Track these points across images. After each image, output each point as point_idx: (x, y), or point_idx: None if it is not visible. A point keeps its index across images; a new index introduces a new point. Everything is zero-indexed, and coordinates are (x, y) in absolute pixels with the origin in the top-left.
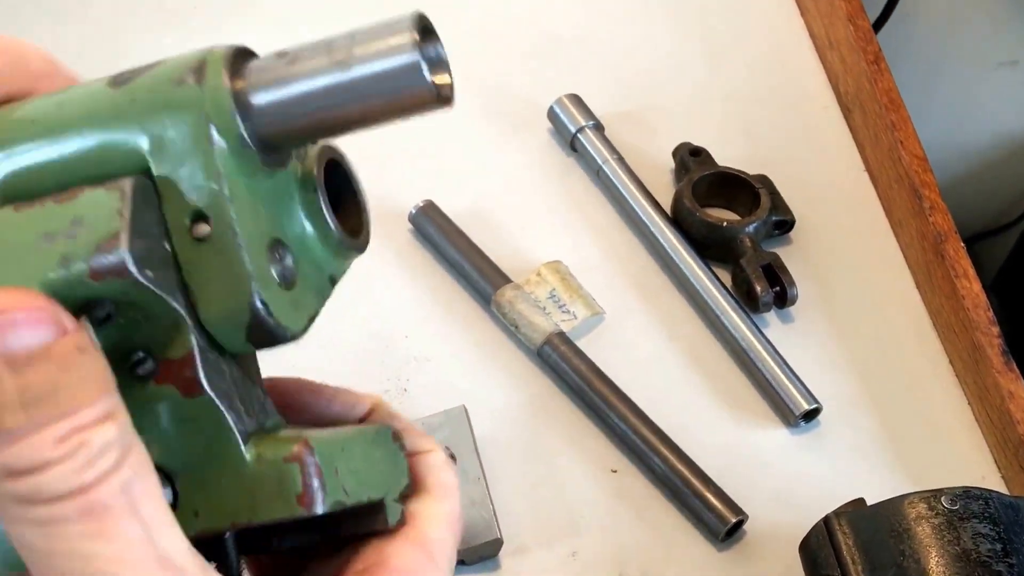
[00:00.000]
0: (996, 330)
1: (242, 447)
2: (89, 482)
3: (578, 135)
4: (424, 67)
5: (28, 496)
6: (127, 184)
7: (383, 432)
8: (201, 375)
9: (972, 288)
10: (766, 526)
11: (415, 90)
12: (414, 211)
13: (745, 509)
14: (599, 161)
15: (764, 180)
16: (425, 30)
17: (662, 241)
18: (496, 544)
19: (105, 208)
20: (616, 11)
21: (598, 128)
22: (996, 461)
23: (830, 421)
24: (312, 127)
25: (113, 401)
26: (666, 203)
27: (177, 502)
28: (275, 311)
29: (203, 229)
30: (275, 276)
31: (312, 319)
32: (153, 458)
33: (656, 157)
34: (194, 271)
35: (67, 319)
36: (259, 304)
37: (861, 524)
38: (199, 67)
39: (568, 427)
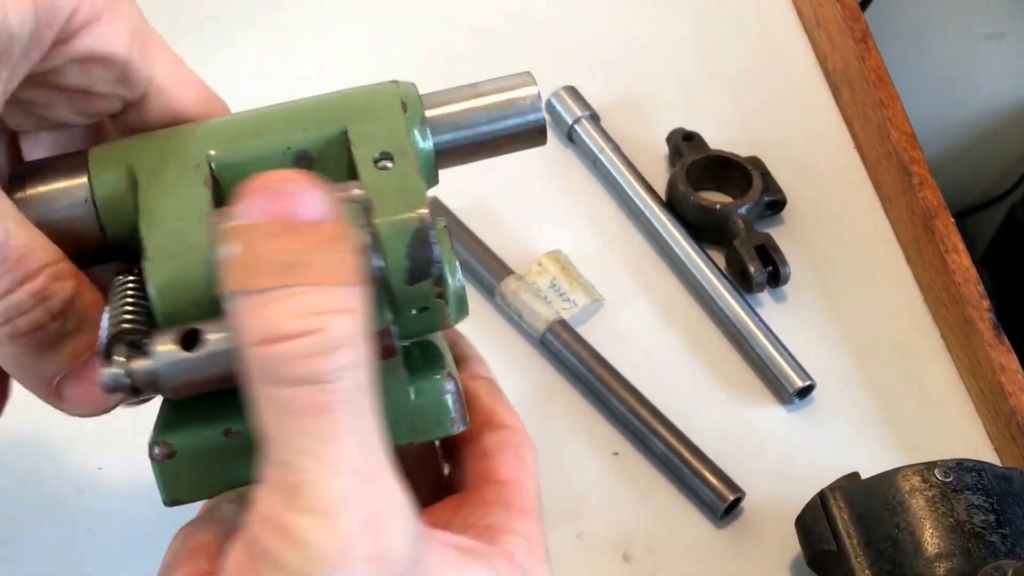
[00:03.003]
0: (987, 304)
1: (409, 389)
2: (322, 374)
3: (575, 126)
4: (542, 107)
5: (265, 369)
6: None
7: None
8: (396, 342)
9: (962, 262)
10: (763, 502)
11: (533, 123)
12: None
13: (743, 486)
14: (595, 151)
15: (755, 162)
16: None
17: (657, 226)
18: None
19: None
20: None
21: (594, 118)
22: (988, 433)
23: (824, 397)
24: (458, 143)
25: (357, 298)
26: (661, 188)
27: None
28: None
29: (387, 164)
30: None
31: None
32: None
33: (651, 143)
34: (376, 188)
35: (337, 212)
36: (427, 216)
37: (856, 498)
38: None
39: (570, 412)
